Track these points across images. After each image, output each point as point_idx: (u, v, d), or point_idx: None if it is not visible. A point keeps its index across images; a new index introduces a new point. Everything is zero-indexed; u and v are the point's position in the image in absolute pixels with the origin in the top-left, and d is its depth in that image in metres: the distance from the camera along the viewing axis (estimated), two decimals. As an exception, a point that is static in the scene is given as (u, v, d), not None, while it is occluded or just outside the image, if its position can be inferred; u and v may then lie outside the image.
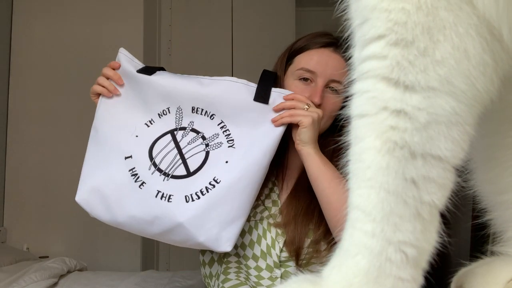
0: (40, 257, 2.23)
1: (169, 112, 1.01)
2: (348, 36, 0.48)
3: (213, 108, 0.99)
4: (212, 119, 0.99)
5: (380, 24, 0.43)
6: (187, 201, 0.93)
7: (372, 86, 0.44)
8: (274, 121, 0.96)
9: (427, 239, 0.46)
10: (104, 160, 0.99)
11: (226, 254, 1.05)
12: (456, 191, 0.47)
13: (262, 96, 0.98)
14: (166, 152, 0.98)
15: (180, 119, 1.01)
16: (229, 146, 0.97)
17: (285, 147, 1.09)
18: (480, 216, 0.61)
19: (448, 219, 0.48)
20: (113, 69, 1.03)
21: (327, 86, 1.02)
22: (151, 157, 0.98)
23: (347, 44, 0.49)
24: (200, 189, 0.94)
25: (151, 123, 1.01)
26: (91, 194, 0.97)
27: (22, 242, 2.37)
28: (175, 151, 0.98)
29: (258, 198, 1.04)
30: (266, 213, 1.06)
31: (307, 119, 0.94)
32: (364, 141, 0.45)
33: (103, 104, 1.02)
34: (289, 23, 2.72)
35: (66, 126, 2.38)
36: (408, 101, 0.43)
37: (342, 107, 0.49)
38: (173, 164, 0.97)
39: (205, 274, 1.11)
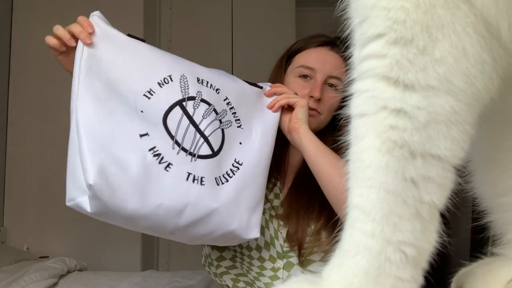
0: (40, 257, 2.24)
1: (172, 80, 0.87)
2: (348, 35, 0.48)
3: (217, 83, 0.94)
4: (218, 93, 0.93)
5: (380, 22, 0.42)
6: (217, 184, 0.85)
7: (372, 86, 0.44)
8: (270, 107, 0.99)
9: (427, 239, 0.46)
10: (114, 137, 0.78)
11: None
12: (456, 191, 0.47)
13: (253, 83, 1.01)
14: (184, 128, 0.85)
15: (186, 87, 0.88)
16: (237, 126, 0.94)
17: (286, 143, 1.11)
18: (480, 218, 0.61)
19: (448, 219, 0.48)
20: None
21: (325, 82, 1.05)
22: (170, 135, 0.83)
23: (346, 44, 0.48)
24: (226, 171, 0.88)
25: (151, 94, 0.84)
26: (103, 183, 0.74)
27: (22, 242, 2.37)
28: (192, 128, 0.86)
29: None
30: (268, 205, 1.08)
31: (303, 100, 0.99)
32: (364, 140, 0.45)
33: (87, 76, 0.81)
34: (289, 23, 2.72)
35: (66, 126, 2.37)
36: (407, 100, 0.42)
37: (342, 107, 0.49)
38: (195, 142, 0.85)
39: (206, 254, 1.12)
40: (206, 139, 0.87)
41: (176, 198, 0.79)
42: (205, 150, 0.86)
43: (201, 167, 0.84)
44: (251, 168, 0.90)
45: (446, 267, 0.58)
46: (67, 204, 0.78)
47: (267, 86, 1.03)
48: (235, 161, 0.89)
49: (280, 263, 1.04)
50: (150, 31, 2.60)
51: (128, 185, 0.76)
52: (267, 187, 1.06)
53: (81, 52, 0.82)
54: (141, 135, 0.80)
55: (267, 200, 1.08)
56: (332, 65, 1.05)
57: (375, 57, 0.43)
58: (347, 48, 0.48)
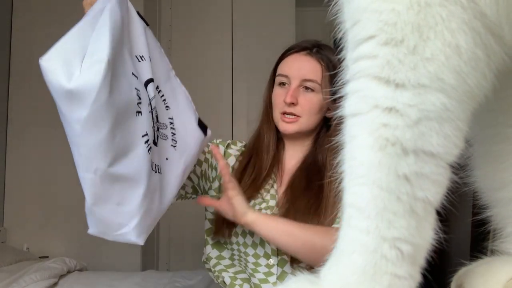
0: (40, 257, 2.24)
1: (144, 60, 0.91)
2: (340, 39, 0.49)
3: (170, 102, 0.98)
4: (167, 109, 0.97)
5: (371, 24, 0.43)
6: (153, 170, 0.91)
7: (364, 85, 0.45)
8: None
9: (422, 235, 0.46)
10: (119, 60, 0.82)
11: (228, 241, 1.10)
12: (456, 188, 0.47)
13: (203, 126, 1.05)
14: (155, 105, 0.92)
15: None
16: (171, 145, 0.97)
17: (283, 146, 1.16)
18: (480, 213, 0.61)
19: (447, 217, 0.48)
20: None
21: (301, 86, 1.08)
22: (148, 97, 0.89)
23: (339, 47, 0.49)
24: (157, 164, 0.92)
25: (142, 59, 0.90)
26: None
27: (22, 242, 2.37)
28: (155, 111, 0.93)
29: (257, 191, 1.10)
30: (264, 205, 1.10)
31: (233, 191, 0.99)
32: (357, 139, 0.46)
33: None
34: (289, 23, 2.71)
35: (66, 126, 2.37)
36: (399, 98, 0.43)
37: (336, 108, 0.50)
38: (157, 126, 0.93)
39: (206, 252, 1.16)
40: (157, 128, 0.92)
41: (126, 139, 0.82)
42: (155, 132, 0.92)
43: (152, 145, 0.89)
44: (164, 182, 0.95)
45: (446, 266, 0.58)
46: (40, 60, 0.80)
47: (209, 133, 1.05)
48: (156, 166, 0.92)
49: (274, 260, 1.06)
50: (150, 31, 2.61)
51: (117, 91, 0.78)
52: (263, 188, 1.12)
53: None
54: (133, 74, 0.83)
55: (262, 200, 1.11)
56: (306, 69, 1.07)
57: (366, 57, 0.44)
58: (339, 51, 0.49)
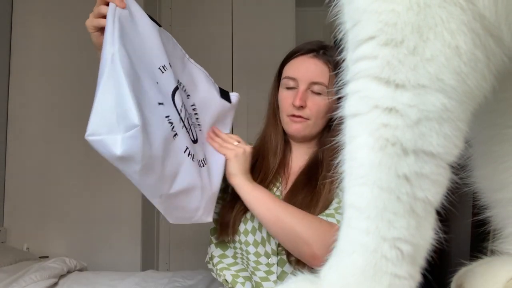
0: (40, 257, 2.24)
1: (166, 69, 0.94)
2: (341, 39, 0.49)
3: (190, 89, 1.02)
4: (188, 98, 1.01)
5: (371, 25, 0.44)
6: (200, 166, 0.98)
7: (364, 86, 0.45)
8: (208, 137, 1.07)
9: (422, 235, 0.46)
10: (142, 99, 0.83)
11: (231, 240, 1.11)
12: (456, 188, 0.47)
13: (225, 95, 1.10)
14: (184, 109, 0.96)
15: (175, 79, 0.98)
16: (200, 130, 1.03)
17: (289, 148, 1.17)
18: (480, 213, 0.61)
19: (447, 217, 0.48)
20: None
21: (309, 89, 1.08)
22: (177, 110, 0.93)
23: (339, 48, 0.49)
24: (202, 158, 1.00)
25: (165, 69, 0.92)
26: (143, 127, 0.81)
27: (22, 242, 2.37)
28: (184, 112, 0.97)
29: None
30: None
31: (231, 152, 1.05)
32: (357, 139, 0.46)
33: (122, 34, 0.85)
34: (289, 23, 2.71)
35: (66, 126, 2.38)
36: (399, 98, 0.43)
37: (337, 108, 0.50)
38: (190, 125, 0.99)
39: (210, 251, 1.18)
40: (191, 127, 0.99)
41: (174, 163, 0.90)
42: (192, 135, 0.99)
43: (193, 146, 0.97)
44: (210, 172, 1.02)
45: (446, 266, 0.58)
46: (86, 137, 0.80)
47: (234, 98, 1.11)
48: (202, 159, 1.01)
49: (274, 259, 1.07)
50: (150, 31, 2.60)
51: (154, 138, 0.84)
52: (269, 188, 1.12)
53: (113, 14, 0.86)
54: (159, 103, 0.89)
55: None
56: (313, 72, 1.07)
57: (366, 58, 0.44)
58: (339, 52, 0.49)
